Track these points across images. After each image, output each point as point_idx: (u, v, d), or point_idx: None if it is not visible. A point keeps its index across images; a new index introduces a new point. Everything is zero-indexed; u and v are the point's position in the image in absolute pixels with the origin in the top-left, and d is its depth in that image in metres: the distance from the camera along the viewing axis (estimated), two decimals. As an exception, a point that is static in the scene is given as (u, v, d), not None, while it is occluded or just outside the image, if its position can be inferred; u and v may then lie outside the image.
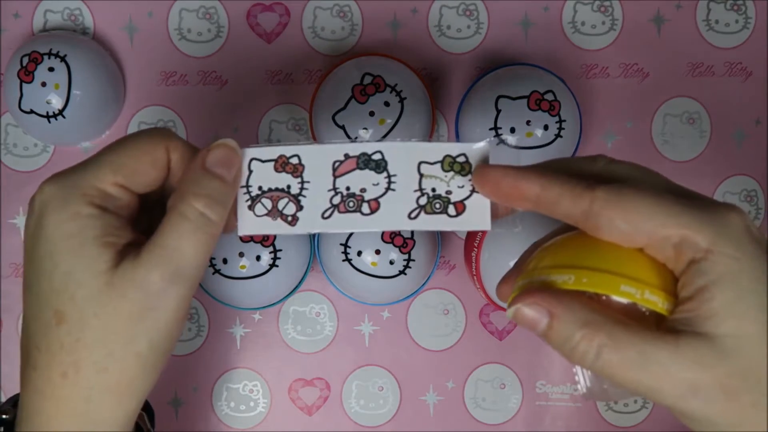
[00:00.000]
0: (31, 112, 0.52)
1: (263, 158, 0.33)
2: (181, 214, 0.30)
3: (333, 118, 0.50)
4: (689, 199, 0.28)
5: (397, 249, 0.49)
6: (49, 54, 0.51)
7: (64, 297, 0.30)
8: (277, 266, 0.50)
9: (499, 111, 0.51)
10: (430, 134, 0.53)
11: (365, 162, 0.33)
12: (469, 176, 0.32)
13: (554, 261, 0.30)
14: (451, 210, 0.33)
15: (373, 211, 0.33)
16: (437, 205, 0.33)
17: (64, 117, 0.52)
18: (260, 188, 0.33)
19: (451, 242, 0.56)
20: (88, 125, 0.54)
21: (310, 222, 0.33)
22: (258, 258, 0.49)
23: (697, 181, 0.56)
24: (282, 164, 0.33)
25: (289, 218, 0.33)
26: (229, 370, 0.56)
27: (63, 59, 0.51)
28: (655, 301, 0.28)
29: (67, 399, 0.30)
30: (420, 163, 0.33)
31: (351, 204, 0.33)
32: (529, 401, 0.57)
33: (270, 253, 0.50)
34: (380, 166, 0.33)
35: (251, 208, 0.33)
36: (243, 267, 0.49)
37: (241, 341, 0.56)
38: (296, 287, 0.54)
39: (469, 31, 0.56)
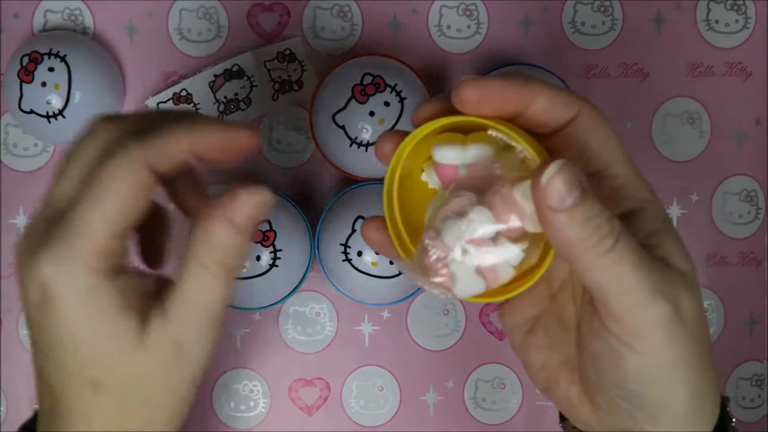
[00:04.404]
0: (31, 112, 0.52)
1: (165, 99, 0.50)
2: (203, 267, 0.29)
3: (333, 118, 0.50)
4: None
5: (397, 249, 0.49)
6: (49, 54, 0.51)
7: (95, 368, 0.29)
8: (277, 266, 0.50)
9: (499, 111, 0.50)
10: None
11: (229, 75, 0.50)
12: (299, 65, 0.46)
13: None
14: (296, 86, 0.51)
15: (248, 106, 0.51)
16: (286, 86, 0.49)
17: (64, 117, 0.52)
18: None
19: (451, 242, 0.56)
20: (88, 125, 0.54)
21: None
22: (258, 258, 0.49)
23: (697, 181, 0.56)
24: (177, 98, 0.50)
25: None
26: (229, 370, 0.56)
27: (63, 59, 0.51)
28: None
29: None
30: (265, 61, 0.48)
31: (232, 106, 0.50)
32: (529, 401, 0.57)
33: (270, 253, 0.50)
34: (240, 74, 0.50)
35: None
36: (243, 267, 0.49)
37: (241, 341, 0.56)
38: (296, 287, 0.54)
39: (469, 31, 0.56)
